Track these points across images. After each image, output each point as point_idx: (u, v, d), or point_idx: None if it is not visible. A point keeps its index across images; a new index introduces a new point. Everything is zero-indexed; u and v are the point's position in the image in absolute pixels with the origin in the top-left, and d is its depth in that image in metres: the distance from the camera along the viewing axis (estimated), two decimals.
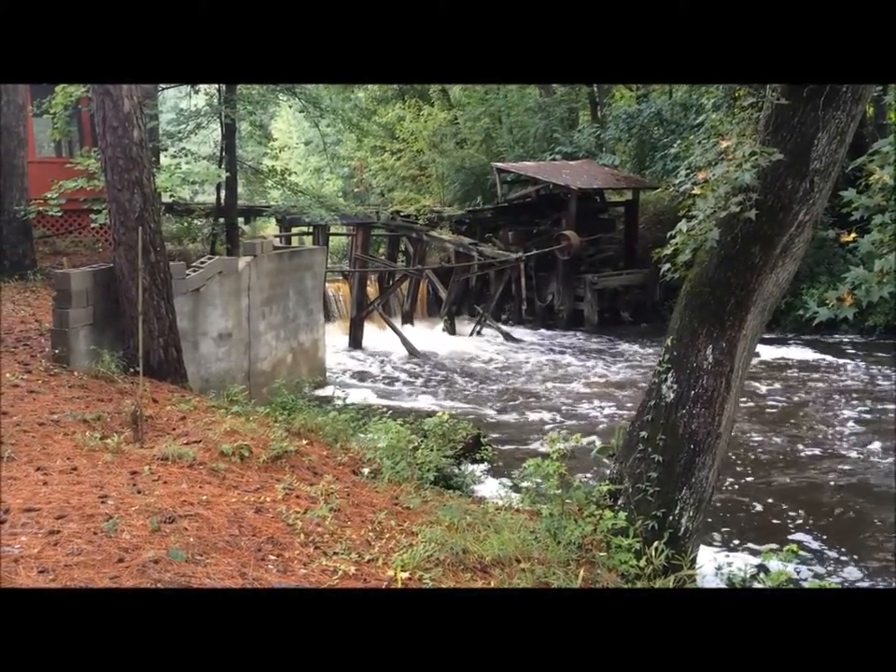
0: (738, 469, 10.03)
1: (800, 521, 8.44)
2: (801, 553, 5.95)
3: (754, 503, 8.95)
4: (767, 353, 16.62)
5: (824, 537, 7.96)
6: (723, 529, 8.08)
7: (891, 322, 17.71)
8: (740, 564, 6.02)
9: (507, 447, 10.76)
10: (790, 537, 7.82)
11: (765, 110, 5.43)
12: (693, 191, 5.26)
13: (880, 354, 17.10)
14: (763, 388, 14.39)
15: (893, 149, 4.36)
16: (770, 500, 9.04)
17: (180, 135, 13.96)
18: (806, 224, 5.43)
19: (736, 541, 7.82)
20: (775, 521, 8.48)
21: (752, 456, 10.60)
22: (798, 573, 6.56)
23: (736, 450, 10.43)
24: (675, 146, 20.54)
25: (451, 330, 20.80)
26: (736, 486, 9.45)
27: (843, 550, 7.66)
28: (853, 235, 4.49)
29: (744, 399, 11.16)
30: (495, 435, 11.05)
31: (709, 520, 6.73)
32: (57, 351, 8.29)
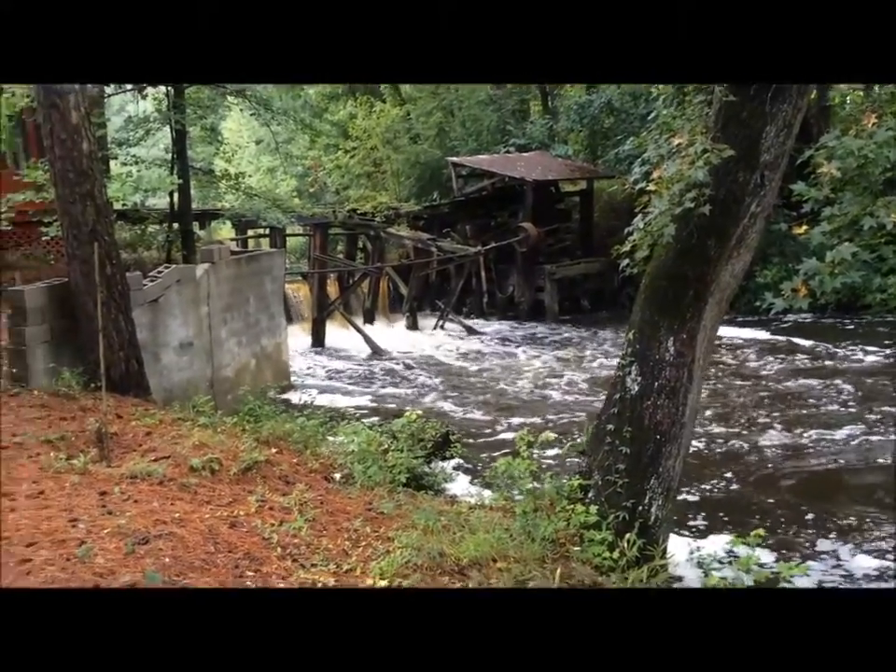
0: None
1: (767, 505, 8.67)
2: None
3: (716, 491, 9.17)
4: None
5: (795, 520, 8.14)
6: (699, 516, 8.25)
7: (842, 300, 18.14)
8: (710, 550, 6.16)
9: (476, 443, 10.82)
10: (759, 520, 8.01)
11: (714, 105, 5.55)
12: (649, 188, 5.36)
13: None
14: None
15: (839, 143, 4.50)
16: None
17: (130, 142, 13.70)
18: (759, 215, 5.56)
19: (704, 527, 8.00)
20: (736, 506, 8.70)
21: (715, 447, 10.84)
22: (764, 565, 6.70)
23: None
24: (628, 143, 20.80)
25: (413, 326, 20.81)
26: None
27: (812, 529, 7.88)
28: (805, 227, 4.62)
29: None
30: (463, 430, 11.11)
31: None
32: (14, 370, 8.12)
